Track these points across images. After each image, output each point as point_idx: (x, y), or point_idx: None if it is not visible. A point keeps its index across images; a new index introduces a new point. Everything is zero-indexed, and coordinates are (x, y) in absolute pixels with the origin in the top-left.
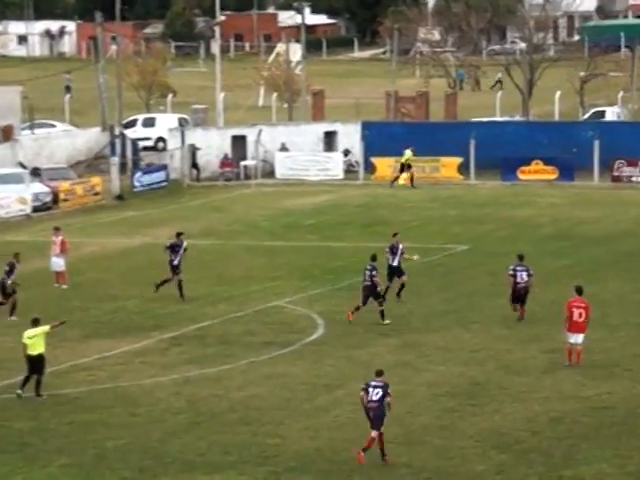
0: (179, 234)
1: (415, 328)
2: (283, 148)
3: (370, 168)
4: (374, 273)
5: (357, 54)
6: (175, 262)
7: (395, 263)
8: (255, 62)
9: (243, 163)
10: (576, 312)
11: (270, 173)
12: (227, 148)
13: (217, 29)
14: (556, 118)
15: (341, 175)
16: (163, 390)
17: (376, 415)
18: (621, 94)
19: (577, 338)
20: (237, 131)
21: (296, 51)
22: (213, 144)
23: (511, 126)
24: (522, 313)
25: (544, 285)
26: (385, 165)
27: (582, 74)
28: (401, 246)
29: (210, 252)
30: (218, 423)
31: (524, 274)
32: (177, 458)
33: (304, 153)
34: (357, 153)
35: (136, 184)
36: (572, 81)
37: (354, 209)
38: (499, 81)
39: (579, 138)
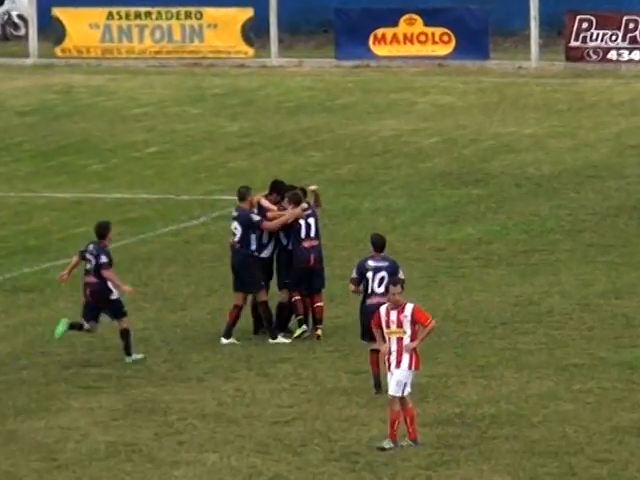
0: None
1: (146, 376)
2: None
3: (53, 30)
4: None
5: None
6: None
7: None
8: None
9: None
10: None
11: None
12: None
13: None
14: None
15: None
16: None
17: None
18: None
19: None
20: None
21: None
22: None
23: None
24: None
25: (429, 284)
26: (84, 23)
27: None
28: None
29: None
30: None
31: (243, 234)
32: None
33: None
34: (23, 1)
35: None
36: None
37: (20, 120)
38: None
39: None
